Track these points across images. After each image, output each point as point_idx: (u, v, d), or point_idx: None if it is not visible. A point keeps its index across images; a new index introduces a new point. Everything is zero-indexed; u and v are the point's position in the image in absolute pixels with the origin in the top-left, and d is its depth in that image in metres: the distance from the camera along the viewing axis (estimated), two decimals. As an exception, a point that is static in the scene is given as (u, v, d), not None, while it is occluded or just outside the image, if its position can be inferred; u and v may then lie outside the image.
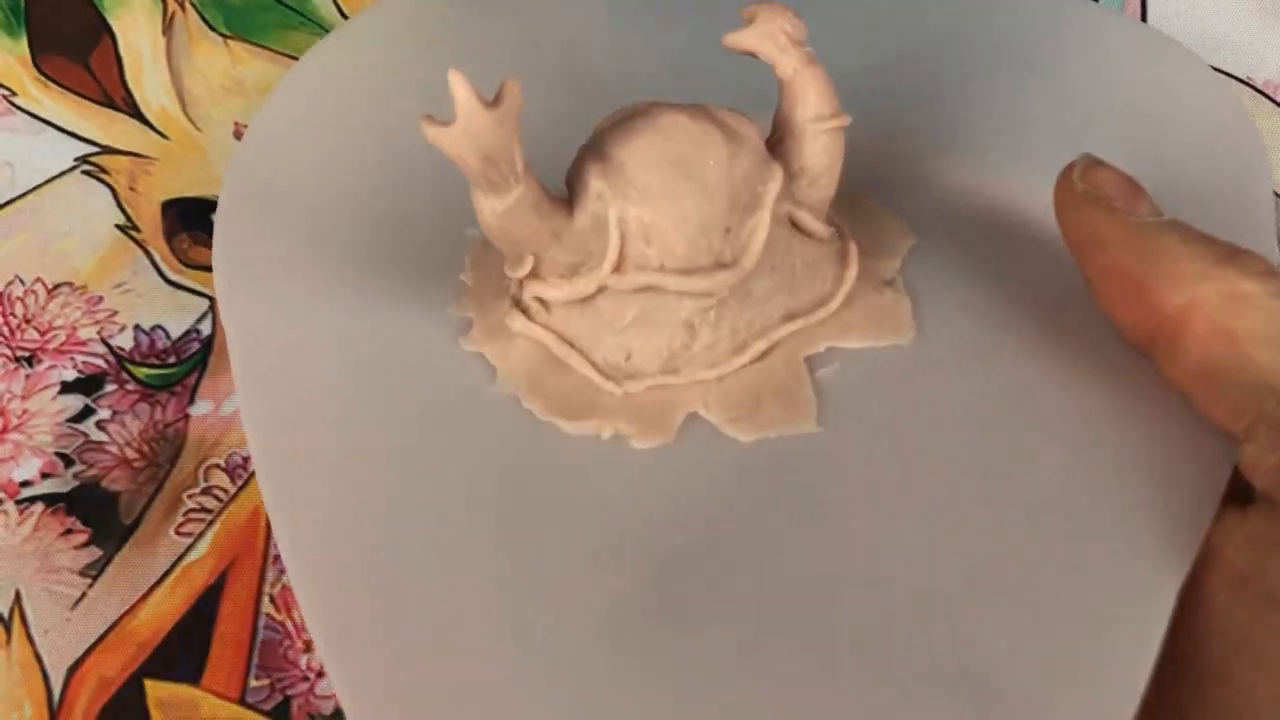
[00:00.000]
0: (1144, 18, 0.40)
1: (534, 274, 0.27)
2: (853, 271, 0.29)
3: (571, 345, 0.28)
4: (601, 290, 0.27)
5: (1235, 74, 0.39)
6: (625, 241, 0.26)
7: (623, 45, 0.36)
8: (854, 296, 0.29)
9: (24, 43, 0.37)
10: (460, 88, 0.23)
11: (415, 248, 0.31)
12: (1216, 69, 0.39)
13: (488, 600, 0.25)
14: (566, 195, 0.27)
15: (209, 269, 0.39)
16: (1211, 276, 0.24)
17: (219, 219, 0.32)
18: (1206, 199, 0.31)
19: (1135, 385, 0.27)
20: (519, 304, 0.28)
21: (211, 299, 0.39)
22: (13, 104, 0.37)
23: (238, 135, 0.40)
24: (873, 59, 0.35)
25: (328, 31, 0.40)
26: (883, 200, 0.31)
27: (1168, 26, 0.39)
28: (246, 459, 0.38)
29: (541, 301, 0.28)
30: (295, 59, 0.40)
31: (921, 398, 0.28)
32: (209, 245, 0.39)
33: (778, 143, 0.28)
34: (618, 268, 0.26)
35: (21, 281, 0.38)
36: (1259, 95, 0.39)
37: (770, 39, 0.27)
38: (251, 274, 0.31)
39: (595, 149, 0.26)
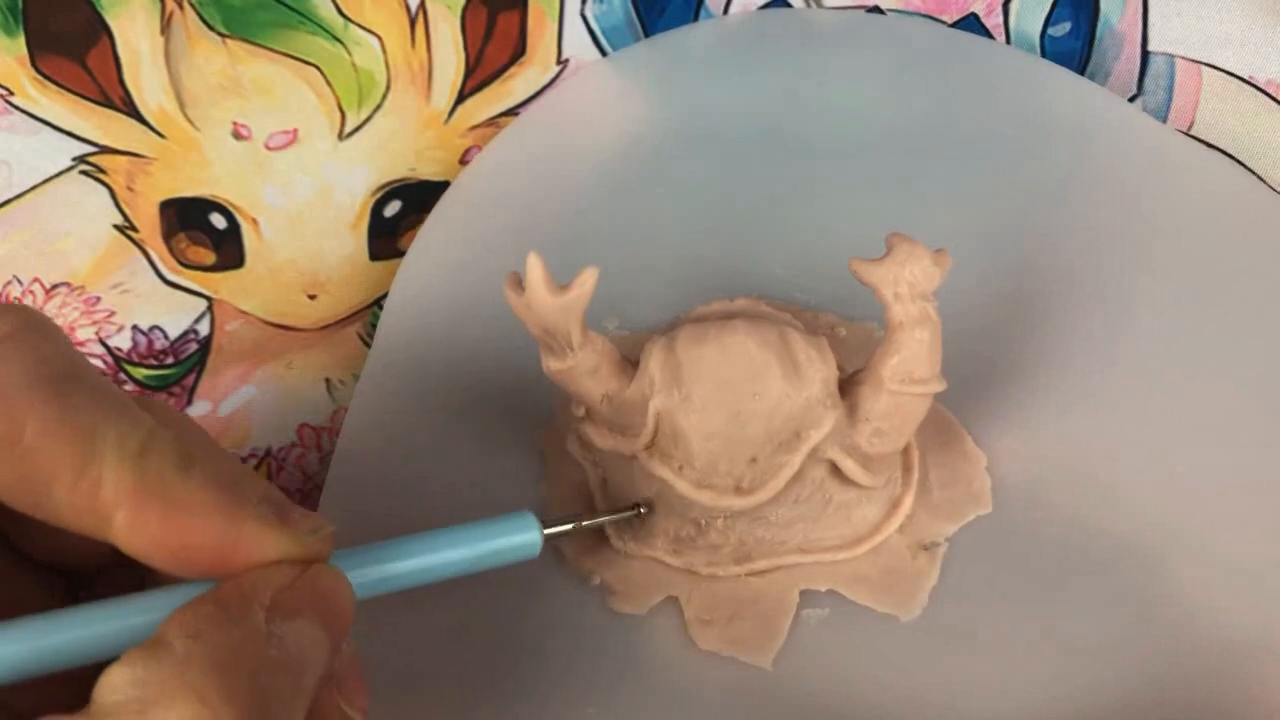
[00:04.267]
0: (1146, 19, 0.40)
1: (587, 417, 0.28)
2: (893, 528, 0.28)
3: (604, 483, 0.29)
4: (634, 458, 0.28)
5: (1236, 73, 0.39)
6: (658, 433, 0.27)
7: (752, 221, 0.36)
8: (882, 548, 0.28)
9: (22, 42, 0.36)
10: (534, 271, 0.25)
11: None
12: (1216, 67, 0.39)
13: None
14: (636, 360, 0.27)
15: (206, 269, 0.39)
16: None
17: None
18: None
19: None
20: (576, 430, 0.30)
21: (210, 299, 0.39)
22: (10, 103, 0.37)
23: (236, 135, 0.39)
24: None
25: (327, 31, 0.40)
26: (984, 435, 0.30)
27: (1169, 26, 0.39)
28: (245, 459, 0.38)
29: (588, 444, 0.29)
30: (294, 59, 0.39)
31: (887, 682, 0.27)
32: (206, 245, 0.39)
33: (858, 384, 0.27)
34: (647, 449, 0.27)
35: (19, 281, 0.37)
36: (1261, 94, 0.39)
37: (889, 285, 0.25)
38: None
39: (672, 335, 0.27)
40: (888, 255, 0.25)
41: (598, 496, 0.29)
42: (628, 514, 0.28)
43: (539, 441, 0.31)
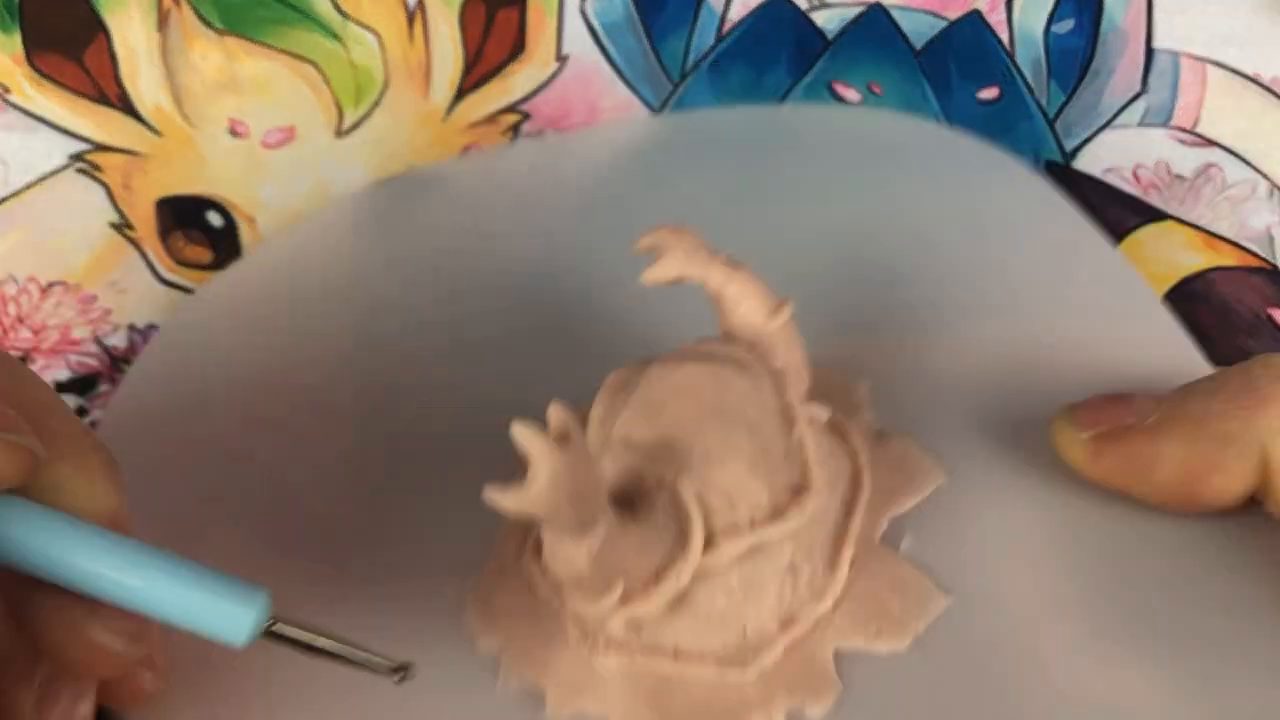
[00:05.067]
0: (1150, 15, 0.39)
1: (625, 597, 0.23)
2: (858, 438, 0.28)
3: (678, 654, 0.25)
4: (695, 579, 0.24)
5: (1241, 70, 0.39)
6: (708, 516, 0.24)
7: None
8: (878, 459, 0.28)
9: (18, 39, 0.36)
10: (534, 440, 0.20)
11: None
12: (1221, 64, 0.39)
13: None
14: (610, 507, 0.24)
15: (203, 267, 0.39)
16: (1258, 407, 0.24)
17: None
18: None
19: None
20: (607, 642, 0.25)
21: (207, 298, 0.39)
22: (6, 101, 0.37)
23: (233, 133, 0.39)
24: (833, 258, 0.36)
25: (325, 28, 0.39)
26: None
27: (1174, 23, 0.39)
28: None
29: (631, 623, 0.24)
30: (291, 56, 0.39)
31: (1002, 515, 0.27)
32: (203, 244, 0.39)
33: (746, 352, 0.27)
34: (707, 546, 0.24)
35: (15, 280, 0.37)
36: (1267, 92, 0.39)
37: (690, 260, 0.26)
38: None
39: (623, 443, 0.24)
40: (664, 250, 0.26)
41: (691, 671, 0.25)
42: (387, 669, 0.23)
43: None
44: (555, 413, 0.21)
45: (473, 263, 0.37)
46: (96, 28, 0.37)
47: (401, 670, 0.23)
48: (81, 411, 0.37)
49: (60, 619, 0.22)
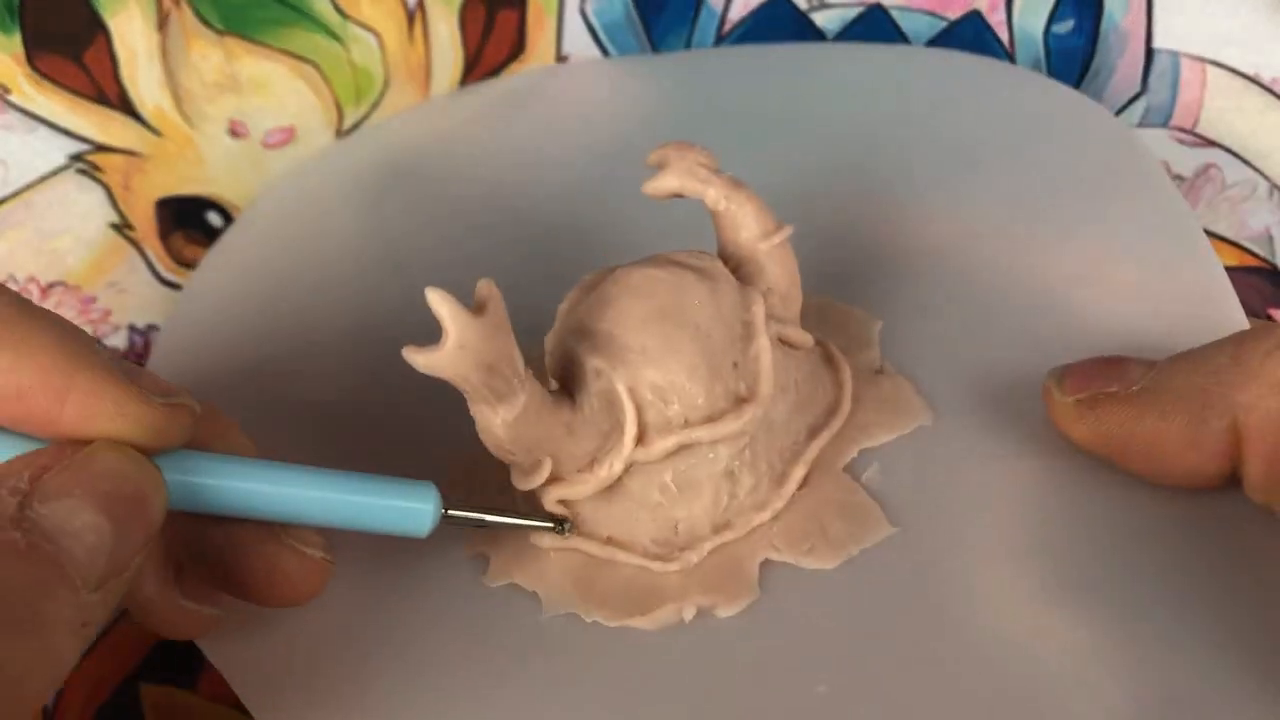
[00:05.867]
0: (1150, 15, 0.39)
1: (553, 477, 0.25)
2: (847, 370, 0.28)
3: (610, 540, 0.26)
4: (629, 469, 0.25)
5: (1241, 70, 0.39)
6: (641, 410, 0.25)
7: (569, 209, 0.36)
8: (857, 394, 0.28)
9: (18, 39, 0.36)
10: (444, 304, 0.21)
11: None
12: (1221, 64, 0.39)
13: None
14: (556, 388, 0.25)
15: (204, 268, 0.39)
16: (1238, 384, 0.23)
17: None
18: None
19: None
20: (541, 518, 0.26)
21: (207, 298, 0.39)
22: (7, 101, 0.37)
23: (233, 133, 0.39)
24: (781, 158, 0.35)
25: (325, 29, 0.39)
26: (831, 293, 0.31)
27: (1174, 23, 0.39)
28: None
29: (565, 504, 0.26)
30: (291, 56, 0.39)
31: (971, 467, 0.27)
32: (203, 244, 0.39)
33: (734, 271, 0.27)
34: (640, 440, 0.25)
35: (15, 281, 0.37)
36: (1267, 92, 0.39)
37: (690, 175, 0.27)
38: None
39: (574, 329, 0.25)
40: (670, 162, 0.27)
41: (620, 557, 0.26)
42: (548, 525, 0.25)
43: (492, 579, 0.27)
44: (481, 285, 0.22)
45: (483, 194, 0.38)
46: (96, 28, 0.37)
47: (560, 524, 0.25)
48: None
49: (258, 547, 0.23)
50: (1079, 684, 0.23)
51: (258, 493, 0.22)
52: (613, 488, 0.25)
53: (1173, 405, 0.24)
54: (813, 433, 0.28)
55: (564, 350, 0.25)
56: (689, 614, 0.25)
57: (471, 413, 0.23)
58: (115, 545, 0.19)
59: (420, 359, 0.21)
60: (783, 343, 0.27)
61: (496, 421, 0.23)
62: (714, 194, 0.27)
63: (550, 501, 0.25)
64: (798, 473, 0.27)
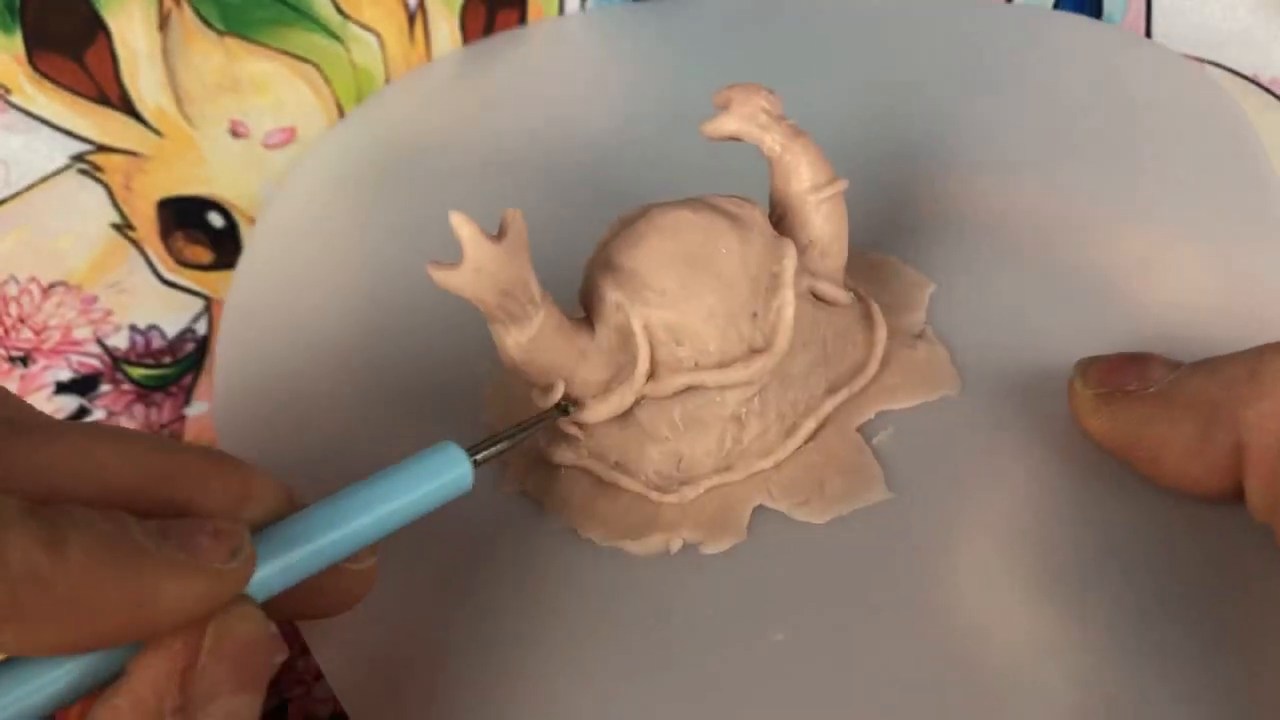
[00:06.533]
0: (1149, 14, 0.39)
1: (568, 405, 0.26)
2: (882, 332, 0.28)
3: (617, 464, 0.27)
4: (640, 401, 0.26)
5: (1241, 71, 0.39)
6: (655, 347, 0.25)
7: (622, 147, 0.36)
8: (889, 357, 0.28)
9: (19, 40, 0.36)
10: (465, 227, 0.22)
11: (426, 394, 0.30)
12: (1220, 65, 0.39)
13: None
14: (583, 315, 0.26)
15: (204, 268, 0.39)
16: (1250, 401, 0.23)
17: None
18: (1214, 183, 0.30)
19: None
20: (558, 434, 0.27)
21: (207, 298, 0.39)
22: (7, 101, 0.37)
23: (234, 133, 0.39)
24: (852, 109, 0.34)
25: (325, 29, 0.39)
26: (891, 251, 0.31)
27: (1173, 24, 0.39)
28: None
29: (580, 426, 0.27)
30: (292, 56, 0.39)
31: (982, 446, 0.27)
32: (204, 244, 0.39)
33: (779, 220, 0.27)
34: (652, 375, 0.26)
35: (16, 281, 0.37)
36: (1264, 93, 0.39)
37: (750, 120, 0.26)
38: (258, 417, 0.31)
39: (603, 262, 0.26)
40: (732, 104, 0.26)
41: (623, 481, 0.27)
42: (553, 413, 0.26)
43: (506, 486, 0.28)
44: (507, 213, 0.23)
45: (509, 148, 0.37)
46: (97, 28, 0.37)
47: (564, 409, 0.26)
48: (83, 411, 0.37)
49: (333, 584, 0.23)
50: (1027, 679, 0.23)
51: (319, 552, 0.22)
52: (624, 416, 0.26)
53: (1183, 413, 0.24)
54: (832, 389, 0.28)
55: (591, 280, 0.26)
56: (675, 546, 0.26)
57: (491, 332, 0.25)
58: (255, 706, 0.20)
59: (440, 275, 0.23)
60: (815, 297, 0.27)
61: (509, 342, 0.24)
62: (771, 141, 0.27)
63: (566, 422, 0.26)
64: (807, 425, 0.27)
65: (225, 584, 0.19)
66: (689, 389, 0.26)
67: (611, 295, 0.25)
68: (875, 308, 0.29)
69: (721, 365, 0.26)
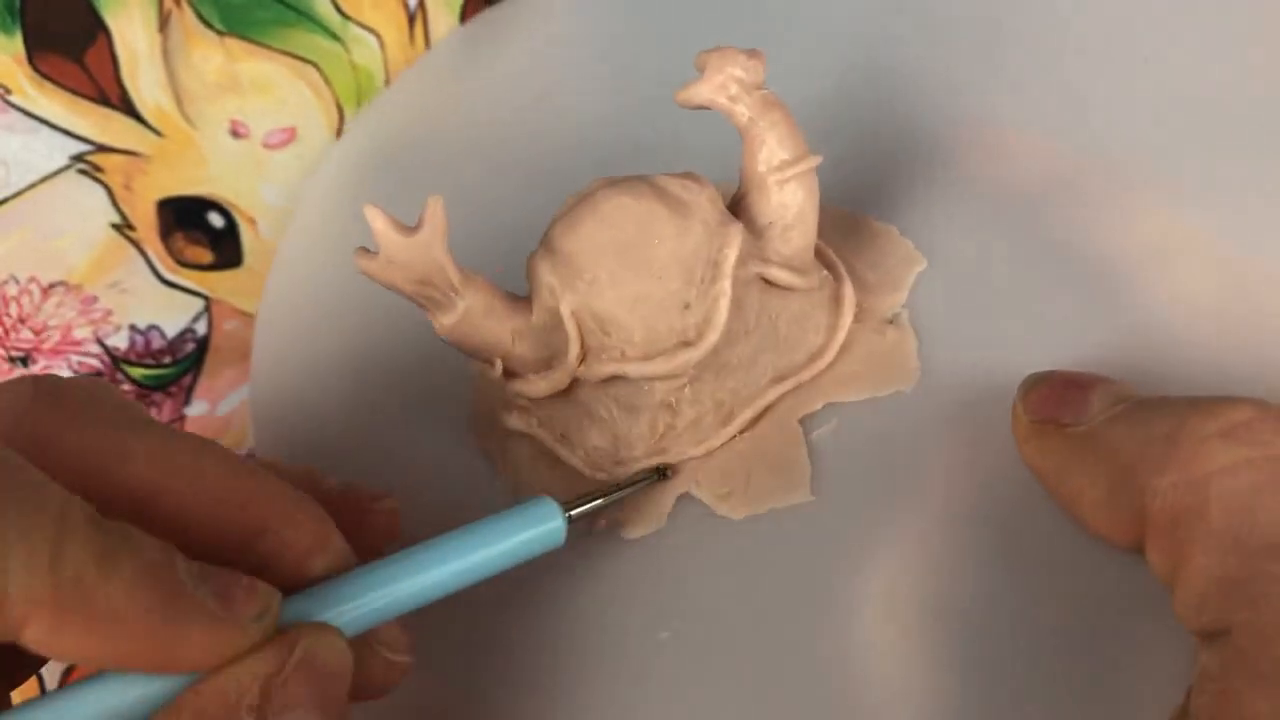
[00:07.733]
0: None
1: (510, 373, 0.27)
2: (847, 319, 0.27)
3: (562, 437, 0.28)
4: (579, 381, 0.26)
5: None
6: (584, 335, 0.25)
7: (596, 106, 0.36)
8: (853, 342, 0.27)
9: (19, 40, 0.36)
10: (377, 219, 0.23)
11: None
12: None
13: (474, 708, 0.25)
14: (529, 292, 0.26)
15: (204, 268, 0.39)
16: (1160, 465, 0.21)
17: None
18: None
19: None
20: (511, 402, 0.28)
21: (207, 299, 0.39)
22: (8, 102, 0.37)
23: (234, 133, 0.39)
24: (856, 63, 0.32)
25: (325, 29, 0.39)
26: (893, 217, 0.29)
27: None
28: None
29: (525, 398, 0.27)
30: (292, 57, 0.39)
31: (923, 454, 0.25)
32: (204, 245, 0.39)
33: (743, 197, 0.26)
34: (583, 359, 0.26)
35: (16, 281, 0.37)
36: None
37: (720, 90, 0.25)
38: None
39: (545, 241, 0.26)
40: (706, 70, 0.25)
41: (563, 453, 0.28)
42: (650, 478, 0.26)
43: (473, 442, 0.30)
44: (428, 203, 0.24)
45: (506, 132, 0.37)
46: (97, 29, 0.37)
47: (662, 472, 0.27)
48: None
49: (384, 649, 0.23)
50: (899, 709, 0.22)
51: (402, 598, 0.22)
52: (567, 392, 0.27)
53: (1096, 466, 0.22)
54: (780, 377, 0.27)
55: (532, 259, 0.26)
56: (600, 525, 0.27)
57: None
58: None
59: (360, 264, 0.24)
60: (766, 282, 0.26)
61: (436, 325, 0.25)
62: (740, 115, 0.26)
63: (512, 392, 0.27)
64: (744, 415, 0.27)
65: (244, 638, 0.20)
66: (615, 377, 0.26)
67: (546, 279, 0.25)
68: (847, 291, 0.27)
69: (647, 357, 0.25)
